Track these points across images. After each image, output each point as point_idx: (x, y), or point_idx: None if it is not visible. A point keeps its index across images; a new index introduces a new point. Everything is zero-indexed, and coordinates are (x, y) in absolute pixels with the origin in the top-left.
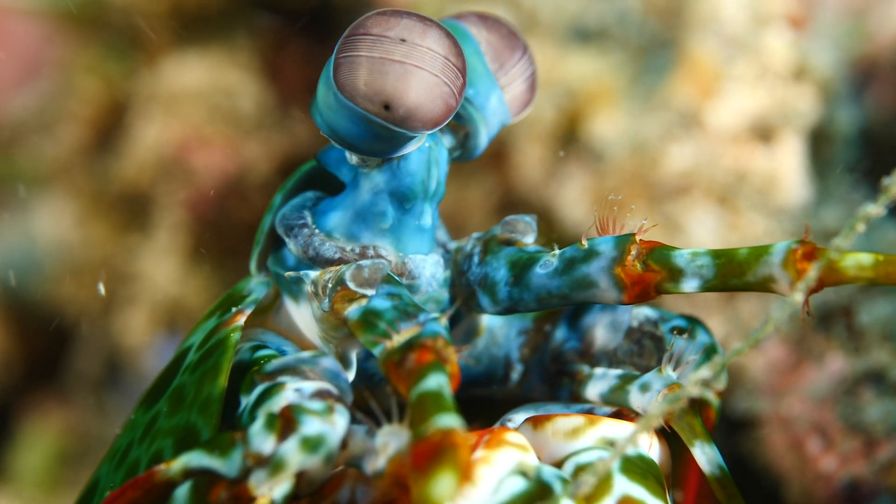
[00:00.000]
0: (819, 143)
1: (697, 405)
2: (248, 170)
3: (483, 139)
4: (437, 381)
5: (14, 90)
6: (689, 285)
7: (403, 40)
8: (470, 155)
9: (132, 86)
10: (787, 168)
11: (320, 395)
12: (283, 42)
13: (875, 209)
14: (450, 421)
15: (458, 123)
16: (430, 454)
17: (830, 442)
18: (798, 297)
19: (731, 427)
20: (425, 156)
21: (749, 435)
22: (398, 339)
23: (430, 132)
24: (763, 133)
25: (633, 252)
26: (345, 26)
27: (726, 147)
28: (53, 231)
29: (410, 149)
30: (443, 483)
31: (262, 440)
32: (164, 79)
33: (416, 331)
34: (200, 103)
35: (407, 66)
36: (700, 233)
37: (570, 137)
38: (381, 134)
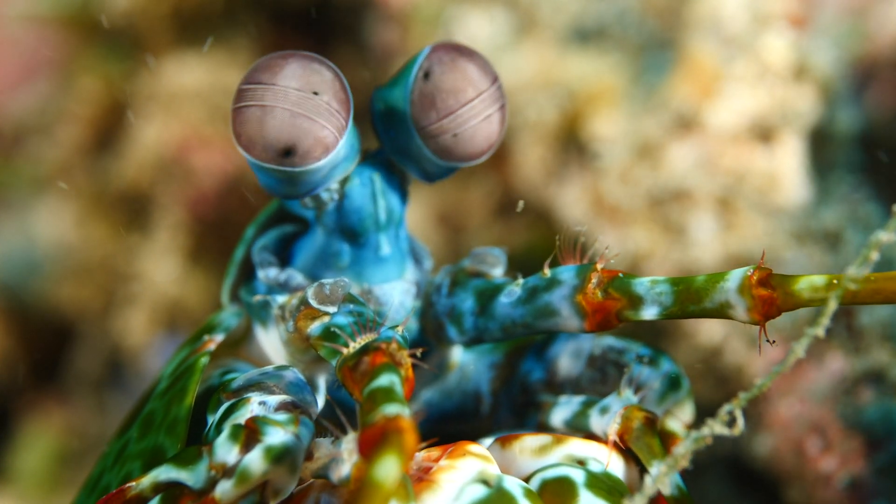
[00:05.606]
0: (819, 143)
1: (654, 425)
2: (248, 170)
3: (420, 176)
4: (389, 379)
5: (14, 91)
6: (650, 312)
7: (261, 83)
8: (430, 180)
9: (132, 86)
10: (787, 168)
11: (285, 407)
12: (282, 42)
13: (887, 236)
14: (396, 409)
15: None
16: (375, 439)
17: (830, 442)
18: (819, 331)
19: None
20: (368, 189)
21: (749, 435)
22: (354, 345)
23: (319, 161)
24: (763, 133)
25: (594, 280)
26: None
27: (726, 147)
28: (53, 231)
29: (333, 182)
30: (387, 465)
31: (227, 451)
32: (164, 79)
33: (372, 337)
34: (200, 103)
35: (262, 108)
36: (700, 233)
37: (569, 138)
38: (282, 178)
